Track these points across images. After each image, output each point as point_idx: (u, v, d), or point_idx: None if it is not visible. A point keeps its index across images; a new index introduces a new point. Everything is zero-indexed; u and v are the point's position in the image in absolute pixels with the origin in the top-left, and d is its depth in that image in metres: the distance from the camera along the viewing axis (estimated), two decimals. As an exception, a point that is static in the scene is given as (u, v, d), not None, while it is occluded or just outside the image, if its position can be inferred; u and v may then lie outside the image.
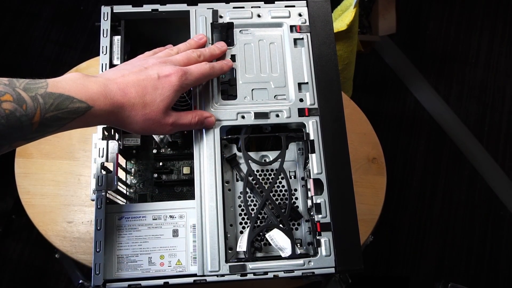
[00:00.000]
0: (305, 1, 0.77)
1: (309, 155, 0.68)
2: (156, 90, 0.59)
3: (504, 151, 1.87)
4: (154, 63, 0.62)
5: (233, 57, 0.73)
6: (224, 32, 0.74)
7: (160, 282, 0.62)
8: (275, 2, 0.77)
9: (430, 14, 2.04)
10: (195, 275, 0.62)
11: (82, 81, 0.55)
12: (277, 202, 0.71)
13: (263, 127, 0.72)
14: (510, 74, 1.96)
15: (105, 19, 0.73)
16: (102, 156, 0.67)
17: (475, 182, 1.82)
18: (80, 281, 0.89)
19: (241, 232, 0.69)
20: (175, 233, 0.65)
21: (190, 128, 0.66)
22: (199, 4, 0.75)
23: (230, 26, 0.74)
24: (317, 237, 0.65)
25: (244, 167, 0.71)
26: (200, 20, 0.74)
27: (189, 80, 0.62)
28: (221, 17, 0.75)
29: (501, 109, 1.92)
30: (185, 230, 0.65)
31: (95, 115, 0.55)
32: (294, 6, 0.77)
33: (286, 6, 0.77)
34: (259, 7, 0.76)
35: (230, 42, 0.74)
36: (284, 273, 0.62)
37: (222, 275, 0.61)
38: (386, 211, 0.94)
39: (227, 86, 0.72)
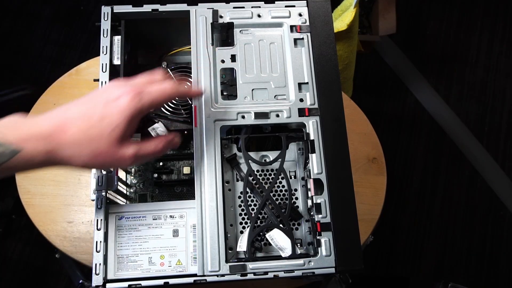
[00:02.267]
0: (305, 1, 0.77)
1: (309, 155, 0.68)
2: (103, 119, 0.51)
3: (504, 151, 1.87)
4: (109, 86, 0.55)
5: (233, 57, 0.74)
6: (224, 32, 0.74)
7: (160, 282, 0.62)
8: (275, 2, 0.77)
9: (430, 14, 2.04)
10: (195, 275, 0.62)
11: (14, 123, 0.50)
12: (277, 202, 0.71)
13: (263, 127, 0.72)
14: (510, 74, 1.96)
15: (105, 19, 0.74)
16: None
17: (475, 182, 1.82)
18: (80, 281, 0.89)
19: (241, 232, 0.69)
20: (175, 233, 0.65)
21: (156, 156, 0.59)
22: (199, 4, 0.75)
23: (230, 26, 0.74)
24: (317, 237, 0.65)
25: (244, 167, 0.71)
26: (200, 20, 0.74)
27: (145, 100, 0.53)
28: (221, 17, 0.75)
29: (501, 109, 1.92)
30: (185, 230, 0.65)
31: (26, 159, 0.48)
32: (294, 6, 0.77)
33: (286, 6, 0.77)
34: (259, 7, 0.76)
35: (230, 42, 0.74)
36: (284, 273, 0.62)
37: (222, 275, 0.61)
38: (386, 211, 0.94)
39: (227, 86, 0.72)
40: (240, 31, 0.75)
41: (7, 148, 0.46)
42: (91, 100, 0.53)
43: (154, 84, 0.56)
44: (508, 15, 2.05)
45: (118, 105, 0.52)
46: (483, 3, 2.06)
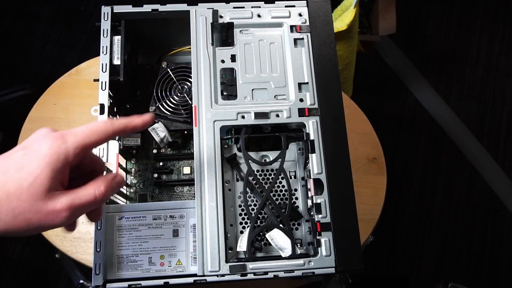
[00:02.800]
0: (305, 1, 0.77)
1: (309, 155, 0.68)
2: (21, 170, 0.43)
3: (504, 151, 1.87)
4: (32, 135, 0.47)
5: (233, 57, 0.74)
6: (224, 32, 0.74)
7: (160, 282, 0.62)
8: (275, 2, 0.77)
9: (430, 14, 2.04)
10: (195, 275, 0.62)
11: None
12: (277, 202, 0.71)
13: (263, 127, 0.72)
14: (510, 74, 1.96)
15: (105, 19, 0.74)
16: (103, 156, 0.67)
17: (475, 182, 1.82)
18: (81, 281, 0.89)
19: (241, 232, 0.69)
20: (175, 233, 0.65)
21: (98, 205, 0.49)
22: (199, 4, 0.75)
23: (230, 26, 0.74)
24: (317, 237, 0.65)
25: (244, 167, 0.71)
26: (200, 20, 0.74)
27: (70, 143, 0.45)
28: (221, 17, 0.75)
29: (501, 109, 1.92)
30: (185, 230, 0.65)
31: None
32: (294, 6, 0.77)
33: (286, 6, 0.77)
34: (259, 7, 0.76)
35: (230, 42, 0.74)
36: (284, 273, 0.62)
37: (222, 275, 0.61)
38: (386, 211, 0.94)
39: (227, 86, 0.72)
40: (240, 31, 0.75)
41: None
42: (9, 152, 0.45)
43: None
44: (508, 15, 2.05)
45: (37, 151, 0.44)
46: (483, 3, 2.06)
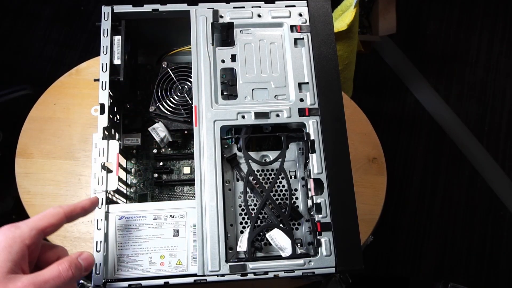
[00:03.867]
0: (305, 1, 0.77)
1: (310, 155, 0.68)
2: None
3: (504, 151, 1.87)
4: None
5: (233, 57, 0.74)
6: (224, 32, 0.74)
7: (161, 282, 0.62)
8: (276, 2, 0.77)
9: (430, 14, 2.04)
10: (195, 275, 0.62)
11: None
12: (277, 202, 0.71)
13: (263, 127, 0.72)
14: (510, 74, 1.96)
15: (106, 19, 0.74)
16: (103, 156, 0.67)
17: (475, 182, 1.82)
18: (81, 281, 0.88)
19: (241, 232, 0.69)
20: (176, 233, 0.65)
21: (64, 281, 0.48)
22: (199, 4, 0.75)
23: (230, 26, 0.74)
24: (318, 237, 0.65)
25: (244, 167, 0.71)
26: (200, 20, 0.74)
27: (23, 227, 0.48)
28: (221, 17, 0.75)
29: (501, 109, 1.92)
30: (185, 230, 0.65)
31: None
32: (294, 6, 0.77)
33: (286, 6, 0.77)
34: (260, 7, 0.76)
35: (230, 42, 0.74)
36: (285, 273, 0.62)
37: (223, 275, 0.61)
38: (386, 211, 0.94)
39: (227, 86, 0.72)
40: (240, 31, 0.75)
41: None
42: None
43: None
44: (508, 15, 2.05)
45: None
46: (483, 3, 2.06)
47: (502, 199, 1.80)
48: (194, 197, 0.65)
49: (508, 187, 1.82)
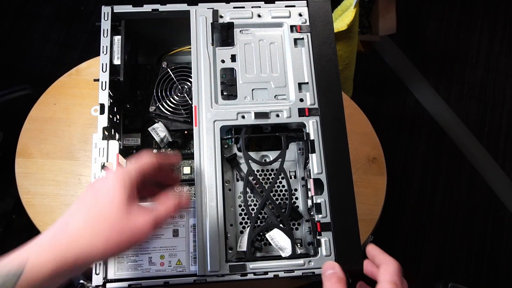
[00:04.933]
0: (305, 1, 0.77)
1: (310, 155, 0.68)
2: (98, 200, 0.49)
3: (504, 151, 1.87)
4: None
5: (233, 57, 0.74)
6: (224, 32, 0.74)
7: (160, 282, 0.62)
8: (276, 2, 0.77)
9: (430, 14, 2.04)
10: (195, 275, 0.62)
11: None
12: (277, 202, 0.71)
13: (263, 127, 0.72)
14: (510, 74, 1.96)
15: (106, 19, 0.74)
16: (103, 156, 0.67)
17: (475, 182, 1.82)
18: (81, 281, 0.88)
19: (241, 232, 0.69)
20: (175, 233, 0.65)
21: (170, 215, 0.54)
22: (199, 4, 0.75)
23: (230, 26, 0.74)
24: (318, 237, 0.65)
25: (244, 167, 0.71)
26: (200, 20, 0.74)
27: (129, 168, 0.53)
28: (221, 17, 0.75)
29: (501, 109, 1.92)
30: (185, 230, 0.65)
31: (35, 275, 0.43)
32: (294, 6, 0.77)
33: (286, 6, 0.77)
34: (259, 7, 0.76)
35: (230, 42, 0.74)
36: (285, 273, 0.62)
37: (223, 275, 0.61)
38: (386, 211, 0.94)
39: (227, 86, 0.72)
40: (240, 31, 0.75)
41: (9, 272, 0.42)
42: (80, 198, 0.51)
43: None
44: (508, 15, 2.05)
45: (105, 182, 0.50)
46: (483, 3, 2.06)
47: (502, 199, 1.80)
48: (194, 197, 0.65)
49: (508, 187, 1.82)
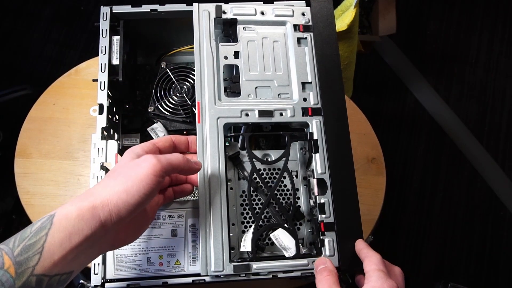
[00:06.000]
0: (304, 1, 0.77)
1: (313, 154, 0.68)
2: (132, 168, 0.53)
3: (504, 151, 1.87)
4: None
5: (236, 54, 0.73)
6: (227, 28, 0.74)
7: (159, 282, 0.62)
8: (274, 2, 0.77)
9: (430, 14, 2.04)
10: (196, 274, 0.62)
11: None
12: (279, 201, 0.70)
13: (262, 126, 0.72)
14: (510, 74, 1.96)
15: (104, 19, 0.73)
16: (101, 156, 0.67)
17: (475, 182, 1.82)
18: (81, 281, 0.88)
19: (243, 232, 0.69)
20: (174, 233, 0.65)
21: (179, 165, 0.57)
22: (200, 3, 0.75)
23: (233, 22, 0.74)
24: (321, 237, 0.65)
25: (246, 166, 0.71)
26: (203, 15, 0.73)
27: (162, 160, 0.54)
28: (224, 12, 0.74)
29: (501, 109, 1.92)
30: (184, 230, 0.65)
31: (72, 224, 0.47)
32: (294, 6, 0.76)
33: (286, 6, 0.76)
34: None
35: (233, 38, 0.74)
36: (288, 273, 0.62)
37: (227, 275, 0.61)
38: (386, 211, 0.94)
39: (230, 83, 0.72)
40: (243, 28, 0.75)
41: (42, 218, 0.47)
42: (109, 174, 0.55)
43: None
44: (508, 15, 2.05)
45: (122, 158, 0.56)
46: (483, 3, 2.06)
47: (502, 199, 1.80)
48: (194, 196, 0.64)
49: (508, 187, 1.81)
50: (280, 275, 0.62)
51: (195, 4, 0.74)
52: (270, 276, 0.62)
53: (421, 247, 1.73)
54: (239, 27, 0.74)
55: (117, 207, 0.49)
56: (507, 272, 1.72)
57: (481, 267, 1.72)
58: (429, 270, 1.70)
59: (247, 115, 0.69)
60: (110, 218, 0.49)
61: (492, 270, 1.72)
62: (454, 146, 1.86)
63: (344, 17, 1.22)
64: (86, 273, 1.05)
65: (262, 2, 0.76)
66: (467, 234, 1.75)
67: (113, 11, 0.74)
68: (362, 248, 0.61)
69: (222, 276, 0.61)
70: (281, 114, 0.69)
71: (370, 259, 0.58)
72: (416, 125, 1.88)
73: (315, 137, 0.68)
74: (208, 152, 0.66)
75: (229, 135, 0.70)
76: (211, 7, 0.73)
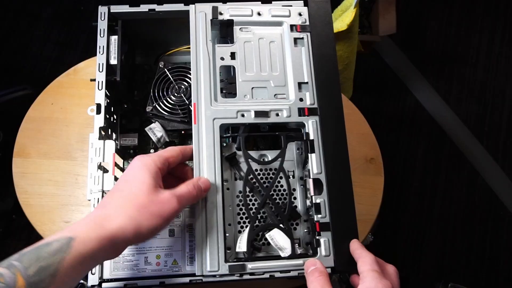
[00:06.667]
0: (302, 1, 0.77)
1: (309, 155, 0.68)
2: (131, 185, 0.56)
3: (504, 151, 1.87)
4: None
5: (232, 55, 0.73)
6: (224, 29, 0.74)
7: (156, 282, 0.62)
8: (272, 2, 0.77)
9: (430, 14, 2.04)
10: (193, 274, 0.62)
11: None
12: (275, 202, 0.70)
13: (260, 126, 0.72)
14: (510, 75, 1.96)
15: (102, 19, 0.73)
16: (99, 156, 0.67)
17: (475, 182, 1.82)
18: (81, 281, 0.88)
19: (239, 232, 0.69)
20: (171, 233, 0.65)
21: (193, 198, 0.60)
22: (196, 4, 0.75)
23: (230, 23, 0.74)
24: (317, 237, 0.65)
25: (243, 166, 0.71)
26: (199, 17, 0.73)
27: (153, 156, 0.59)
28: (221, 14, 0.74)
29: (501, 109, 1.92)
30: (181, 230, 0.65)
31: (81, 246, 0.49)
32: (291, 6, 0.76)
33: (283, 6, 0.76)
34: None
35: (230, 39, 0.74)
36: (284, 273, 0.62)
37: (222, 275, 0.61)
38: (386, 211, 0.94)
39: (226, 84, 0.72)
40: (240, 29, 0.75)
41: (61, 239, 0.48)
42: (115, 186, 0.57)
43: None
44: (508, 15, 2.05)
45: (133, 168, 0.57)
46: (483, 3, 2.06)
47: (502, 199, 1.80)
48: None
49: (508, 187, 1.81)
50: (277, 275, 0.62)
51: (191, 5, 0.74)
52: (267, 276, 0.62)
53: (421, 247, 1.73)
54: (236, 28, 0.74)
55: (137, 238, 0.53)
56: (507, 272, 1.71)
57: (481, 267, 1.72)
58: (429, 270, 1.70)
59: (243, 115, 0.69)
60: (127, 246, 0.53)
61: (492, 270, 1.71)
62: (454, 146, 1.85)
63: (344, 17, 1.22)
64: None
65: (260, 2, 0.76)
66: (467, 234, 1.75)
67: (111, 11, 0.74)
68: (355, 248, 0.62)
69: (217, 276, 0.61)
70: (277, 115, 0.69)
71: (364, 260, 0.58)
72: (416, 125, 1.88)
73: (311, 137, 0.68)
74: (204, 153, 0.66)
75: (225, 135, 0.70)
76: (208, 8, 0.74)
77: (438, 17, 2.03)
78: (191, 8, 0.74)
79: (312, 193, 0.66)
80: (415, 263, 1.71)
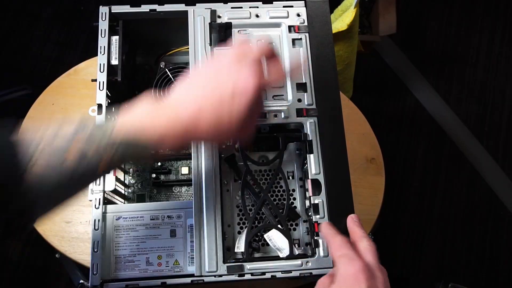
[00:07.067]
0: (303, 1, 0.77)
1: (307, 155, 0.68)
2: (232, 107, 0.50)
3: (504, 151, 1.87)
4: (228, 69, 0.52)
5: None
6: (222, 32, 0.74)
7: (158, 282, 0.62)
8: (274, 2, 0.77)
9: (430, 14, 2.04)
10: (192, 275, 0.62)
11: (151, 117, 0.49)
12: (274, 203, 0.71)
13: (261, 127, 0.72)
14: (510, 75, 1.96)
15: (103, 19, 0.73)
16: (100, 156, 0.66)
17: (475, 182, 1.82)
18: (81, 281, 0.89)
19: (239, 233, 0.69)
20: (173, 233, 0.65)
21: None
22: (197, 4, 0.75)
23: (228, 26, 0.74)
24: (315, 238, 0.65)
25: (242, 167, 0.71)
26: (198, 20, 0.74)
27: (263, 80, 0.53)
28: (219, 17, 0.74)
29: (501, 109, 1.92)
30: (183, 230, 0.65)
31: (163, 147, 0.51)
32: (292, 6, 0.76)
33: (284, 7, 0.76)
34: (257, 7, 0.76)
35: (228, 42, 0.74)
36: (282, 273, 0.62)
37: (220, 276, 0.61)
38: (386, 211, 0.94)
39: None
40: (238, 31, 0.75)
41: (148, 148, 0.50)
42: (217, 92, 0.50)
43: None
44: (508, 15, 2.05)
45: (246, 93, 0.50)
46: (483, 3, 2.06)
47: (502, 199, 1.80)
48: (192, 197, 0.64)
49: (508, 187, 1.81)
50: (279, 275, 0.62)
51: (190, 9, 0.74)
52: (269, 276, 0.62)
53: (421, 247, 1.73)
54: (234, 30, 0.75)
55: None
56: (507, 272, 1.71)
57: (481, 267, 1.72)
58: (429, 270, 1.70)
59: (241, 116, 0.69)
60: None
61: (492, 270, 1.71)
62: (454, 146, 1.85)
63: (344, 17, 1.22)
64: (87, 273, 1.05)
65: (261, 2, 0.76)
66: (467, 234, 1.75)
67: (112, 11, 0.74)
68: (325, 234, 0.58)
69: (216, 276, 0.61)
70: (275, 116, 0.69)
71: (332, 245, 0.56)
72: (416, 125, 1.88)
73: (310, 138, 0.68)
74: (203, 154, 0.66)
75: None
76: (206, 12, 0.74)
77: (438, 17, 2.03)
78: (189, 11, 0.74)
79: (310, 194, 0.66)
80: (415, 263, 1.71)
